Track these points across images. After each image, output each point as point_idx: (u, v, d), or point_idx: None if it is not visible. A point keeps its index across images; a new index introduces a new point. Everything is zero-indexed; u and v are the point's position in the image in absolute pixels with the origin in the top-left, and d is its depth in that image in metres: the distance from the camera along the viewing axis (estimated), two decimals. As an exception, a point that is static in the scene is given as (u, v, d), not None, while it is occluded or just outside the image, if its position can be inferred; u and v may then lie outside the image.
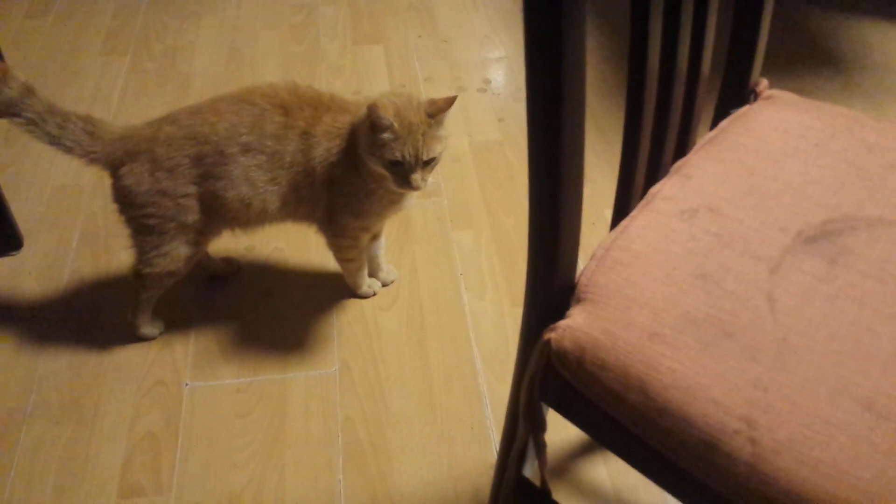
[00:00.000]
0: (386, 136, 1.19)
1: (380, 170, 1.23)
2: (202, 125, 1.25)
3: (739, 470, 0.61)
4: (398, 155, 1.19)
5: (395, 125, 1.18)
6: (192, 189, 1.26)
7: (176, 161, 1.24)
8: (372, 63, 2.13)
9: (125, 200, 1.27)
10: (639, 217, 0.81)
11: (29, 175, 1.73)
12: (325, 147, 1.27)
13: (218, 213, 1.29)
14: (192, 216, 1.27)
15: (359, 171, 1.27)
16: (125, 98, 1.97)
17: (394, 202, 1.32)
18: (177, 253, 1.30)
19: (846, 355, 0.66)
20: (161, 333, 1.42)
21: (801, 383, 0.64)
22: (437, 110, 1.20)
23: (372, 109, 1.16)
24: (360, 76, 2.07)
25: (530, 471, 0.92)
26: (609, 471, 1.23)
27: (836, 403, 0.62)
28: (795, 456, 0.60)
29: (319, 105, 1.29)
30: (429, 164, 1.22)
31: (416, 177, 1.21)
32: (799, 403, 0.63)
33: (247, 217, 1.31)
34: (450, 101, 1.21)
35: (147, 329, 1.40)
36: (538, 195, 0.70)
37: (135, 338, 1.41)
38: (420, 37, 2.24)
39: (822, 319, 0.69)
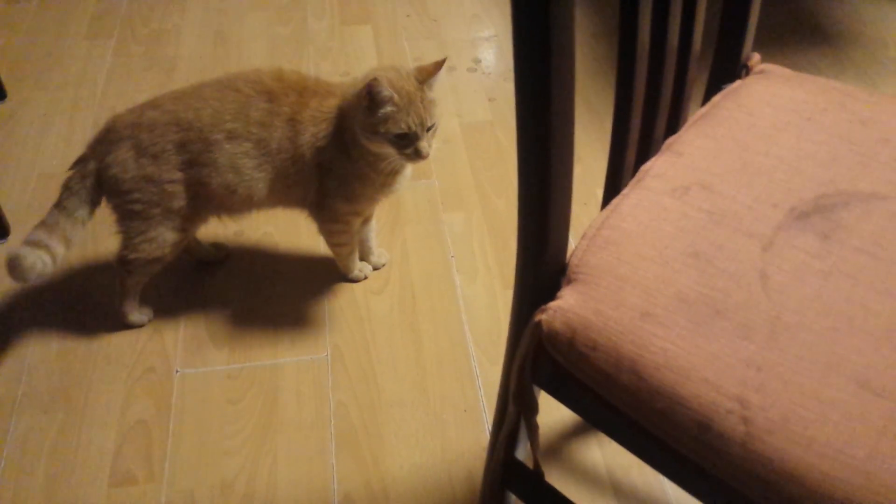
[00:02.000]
0: (388, 109, 1.17)
1: (382, 148, 1.21)
2: (186, 111, 1.23)
3: (733, 450, 0.60)
4: (404, 126, 1.17)
5: (396, 97, 1.16)
6: (177, 175, 1.24)
7: (160, 147, 1.22)
8: (360, 44, 2.10)
9: (111, 188, 1.25)
10: (630, 195, 0.80)
11: (14, 163, 1.71)
12: (313, 132, 1.25)
13: (204, 199, 1.28)
14: (178, 202, 1.26)
15: (349, 155, 1.25)
16: (111, 82, 1.94)
17: (386, 185, 1.31)
18: (162, 238, 1.28)
19: (840, 332, 0.65)
20: (150, 320, 1.41)
21: (794, 361, 0.63)
22: (426, 75, 1.20)
23: (372, 85, 1.14)
24: (349, 57, 2.05)
25: (523, 453, 0.91)
26: (603, 452, 1.22)
27: (829, 381, 0.62)
28: (789, 435, 0.59)
29: (305, 90, 1.27)
30: (430, 129, 1.21)
31: (424, 144, 1.20)
32: (792, 382, 0.62)
33: (232, 203, 1.30)
34: (438, 65, 1.20)
35: (135, 316, 1.39)
36: (527, 175, 0.68)
37: (123, 325, 1.39)
38: (409, 16, 2.22)
39: (816, 296, 0.68)
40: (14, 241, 1.54)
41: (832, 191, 0.77)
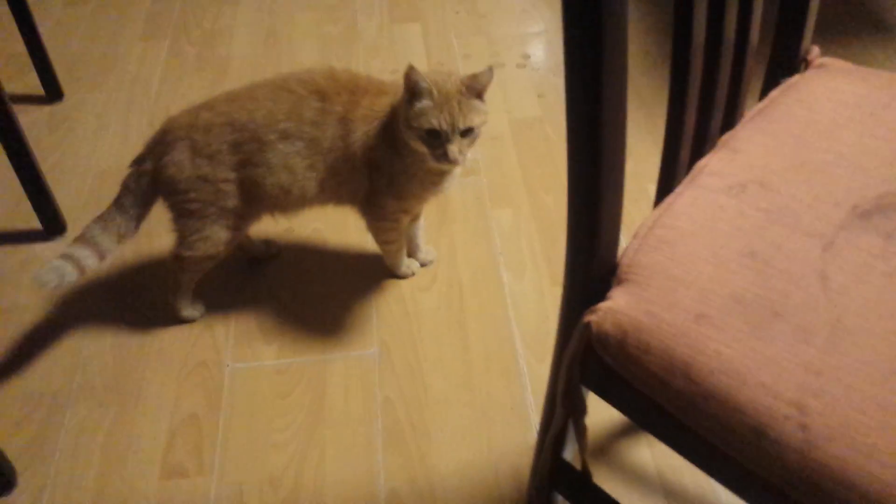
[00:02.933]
0: (423, 103, 1.17)
1: (418, 145, 1.20)
2: (240, 112, 1.25)
3: (790, 457, 0.58)
4: (434, 122, 1.17)
5: (434, 91, 1.16)
6: (231, 175, 1.26)
7: (215, 147, 1.24)
8: (409, 41, 2.10)
9: (168, 188, 1.28)
10: (684, 193, 0.78)
11: (72, 160, 1.75)
12: (364, 130, 1.25)
13: (257, 198, 1.29)
14: (232, 201, 1.27)
15: (399, 153, 1.25)
16: (165, 82, 1.97)
17: (435, 184, 1.31)
18: (217, 237, 1.30)
19: (905, 336, 0.62)
20: (202, 315, 1.43)
21: (855, 366, 0.61)
22: (473, 81, 1.18)
23: (409, 73, 1.15)
24: (398, 55, 2.05)
25: (571, 453, 0.90)
26: (653, 452, 1.20)
27: (892, 387, 0.59)
28: (849, 442, 0.57)
29: (357, 89, 1.27)
30: (467, 135, 1.20)
31: (454, 147, 1.18)
32: (853, 387, 0.60)
33: (286, 202, 1.31)
34: (487, 74, 1.18)
35: (188, 311, 1.41)
36: (577, 173, 0.67)
37: (176, 320, 1.41)
38: (458, 13, 2.21)
39: (878, 298, 0.65)
40: (71, 238, 1.57)
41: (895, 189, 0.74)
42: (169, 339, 1.40)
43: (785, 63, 0.93)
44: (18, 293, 1.47)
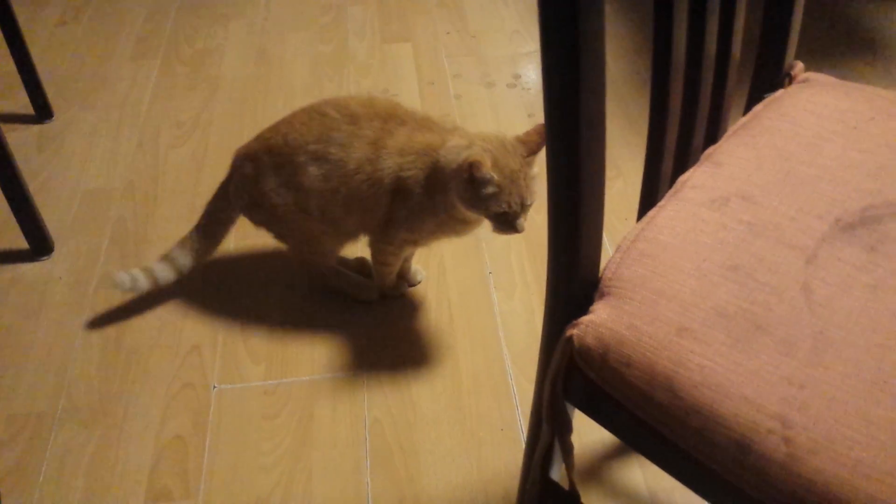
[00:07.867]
0: (489, 190, 1.15)
1: (478, 215, 1.21)
2: (275, 138, 1.30)
3: (774, 471, 0.57)
4: (504, 206, 1.16)
5: (497, 178, 1.14)
6: (280, 199, 1.32)
7: (261, 172, 1.32)
8: (400, 61, 2.11)
9: (241, 208, 1.40)
10: (667, 207, 0.77)
11: (60, 180, 1.75)
12: (398, 161, 1.24)
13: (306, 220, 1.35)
14: (298, 221, 1.35)
15: (433, 199, 1.24)
16: (156, 102, 1.97)
17: (457, 232, 1.32)
18: (321, 248, 1.41)
19: (887, 348, 0.62)
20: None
21: (839, 379, 0.60)
22: (533, 148, 1.17)
23: (474, 168, 1.12)
24: (389, 75, 2.06)
25: (558, 473, 0.89)
26: (644, 473, 1.19)
27: (876, 399, 0.58)
28: (833, 456, 0.56)
29: (392, 117, 1.27)
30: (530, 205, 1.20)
31: (522, 221, 1.19)
32: (837, 400, 0.59)
33: (326, 228, 1.36)
34: (543, 136, 1.16)
35: (369, 290, 1.48)
36: (557, 187, 0.67)
37: (162, 341, 1.40)
38: (448, 33, 2.22)
39: (862, 311, 0.64)
40: (57, 258, 1.56)
41: (879, 201, 0.74)
42: (155, 361, 1.38)
43: (769, 78, 0.93)
44: (3, 313, 1.46)
